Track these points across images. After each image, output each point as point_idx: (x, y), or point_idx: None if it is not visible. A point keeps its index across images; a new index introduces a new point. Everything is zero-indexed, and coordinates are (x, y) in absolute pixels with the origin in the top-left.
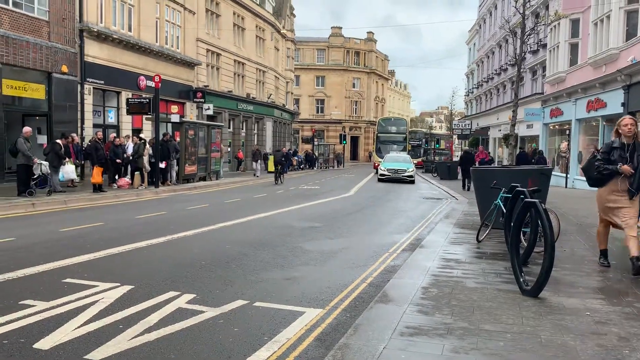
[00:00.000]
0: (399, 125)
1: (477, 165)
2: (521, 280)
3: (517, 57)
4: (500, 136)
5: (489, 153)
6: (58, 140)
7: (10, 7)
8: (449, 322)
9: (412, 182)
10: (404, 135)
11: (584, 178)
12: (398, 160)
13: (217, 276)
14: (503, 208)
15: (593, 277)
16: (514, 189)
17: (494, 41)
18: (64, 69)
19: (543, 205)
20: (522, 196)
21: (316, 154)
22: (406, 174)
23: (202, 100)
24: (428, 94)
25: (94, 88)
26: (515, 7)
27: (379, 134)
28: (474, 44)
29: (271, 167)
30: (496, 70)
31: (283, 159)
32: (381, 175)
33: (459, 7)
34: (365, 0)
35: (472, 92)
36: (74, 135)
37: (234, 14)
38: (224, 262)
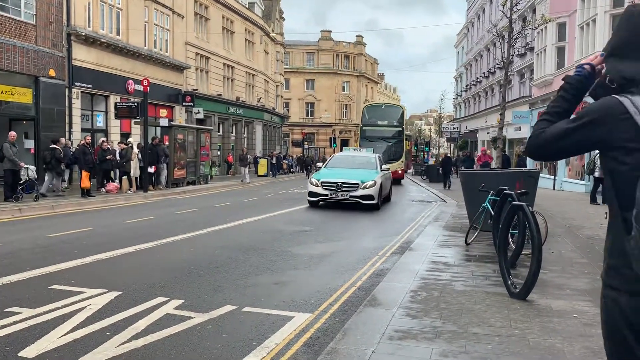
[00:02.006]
0: (391, 116)
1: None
2: (509, 283)
3: (504, 60)
4: (488, 139)
5: (488, 153)
6: (55, 146)
7: None
8: (437, 325)
9: (374, 207)
10: (399, 130)
11: (573, 180)
12: (352, 165)
13: (205, 281)
14: (491, 211)
15: (580, 279)
16: (502, 192)
17: (482, 45)
18: (52, 73)
19: (531, 207)
20: (509, 199)
21: (309, 156)
22: (359, 192)
23: (192, 104)
24: (416, 97)
25: (82, 92)
26: (503, 12)
27: (363, 127)
28: (462, 47)
29: (262, 171)
30: (484, 74)
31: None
32: (312, 195)
33: (440, 12)
34: (348, 5)
35: (461, 95)
36: (62, 139)
37: (223, 17)
38: (213, 267)
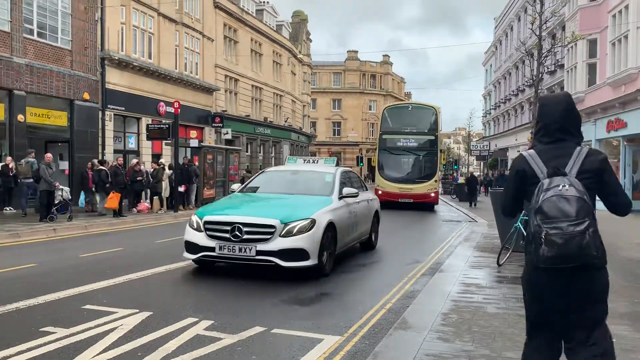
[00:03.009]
0: (421, 120)
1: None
2: None
3: (534, 78)
4: None
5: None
6: (102, 167)
7: (35, 37)
8: (470, 349)
9: (313, 272)
10: (431, 139)
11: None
12: (290, 187)
13: (235, 302)
14: (523, 231)
15: (619, 302)
16: None
17: (510, 62)
18: (86, 96)
19: None
20: None
21: None
22: (273, 243)
23: (221, 124)
24: (443, 115)
25: (114, 114)
26: (531, 29)
27: (383, 136)
28: (490, 65)
29: None
30: (513, 91)
31: None
32: (190, 247)
33: (461, 31)
34: (372, 26)
35: (490, 113)
36: (94, 161)
37: (252, 40)
38: (242, 287)
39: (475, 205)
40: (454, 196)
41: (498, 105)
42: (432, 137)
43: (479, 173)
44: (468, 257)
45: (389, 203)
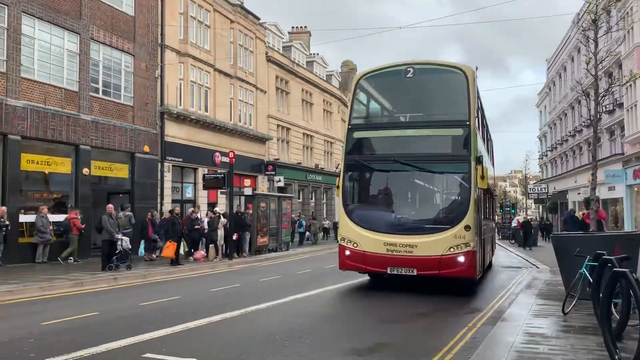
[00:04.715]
0: (433, 99)
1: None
2: (616, 357)
3: (592, 118)
4: (580, 199)
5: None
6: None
7: (100, 95)
8: None
9: None
10: (457, 134)
11: None
12: None
13: (291, 351)
14: (589, 277)
15: None
16: (600, 257)
17: (565, 103)
18: (146, 149)
19: (634, 274)
20: (609, 265)
21: None
22: None
23: (273, 172)
24: (496, 158)
25: (173, 165)
26: (587, 69)
27: (353, 133)
28: (545, 106)
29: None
30: (570, 132)
31: None
32: None
33: (505, 74)
34: None
35: (547, 155)
36: (153, 211)
37: (303, 90)
38: (297, 336)
39: (530, 248)
40: (513, 241)
41: (555, 146)
42: (459, 132)
43: (534, 217)
44: (531, 305)
45: (367, 276)
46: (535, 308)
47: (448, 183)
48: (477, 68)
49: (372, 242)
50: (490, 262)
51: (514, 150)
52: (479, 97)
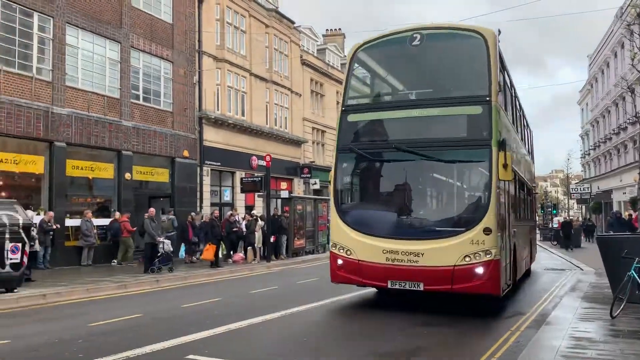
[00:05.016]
0: (445, 71)
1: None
2: None
3: (637, 115)
4: (626, 199)
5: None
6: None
7: (141, 102)
8: None
9: None
10: (476, 113)
11: None
12: None
13: (332, 353)
14: (638, 280)
15: None
16: None
17: (609, 99)
18: (186, 153)
19: None
20: None
21: None
22: None
23: (309, 175)
24: (536, 158)
25: (211, 169)
26: (632, 64)
27: (348, 117)
28: (587, 104)
29: None
30: (614, 130)
31: None
32: None
33: (541, 71)
34: None
35: (589, 153)
36: (193, 214)
37: (337, 93)
38: (337, 340)
39: (572, 249)
40: (555, 242)
41: (598, 145)
42: (477, 110)
43: (576, 217)
44: (576, 309)
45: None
46: (580, 311)
47: (463, 174)
48: (499, 32)
49: (369, 248)
50: (529, 269)
51: (555, 149)
52: (504, 69)
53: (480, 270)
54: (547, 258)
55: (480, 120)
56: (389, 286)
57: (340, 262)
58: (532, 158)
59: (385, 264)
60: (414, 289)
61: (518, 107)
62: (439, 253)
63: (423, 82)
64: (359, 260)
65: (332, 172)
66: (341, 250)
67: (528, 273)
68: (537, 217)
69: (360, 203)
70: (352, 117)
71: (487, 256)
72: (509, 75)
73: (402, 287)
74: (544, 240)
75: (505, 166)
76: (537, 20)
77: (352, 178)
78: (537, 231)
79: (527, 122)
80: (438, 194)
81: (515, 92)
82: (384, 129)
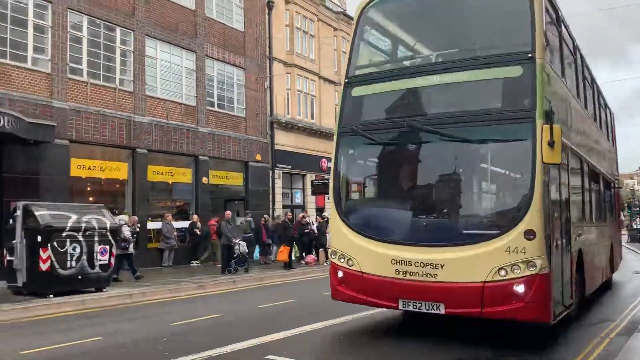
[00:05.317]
0: (476, 27)
1: None
2: None
3: None
4: None
5: None
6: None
7: (216, 108)
8: None
9: None
10: (515, 82)
11: None
12: None
13: (408, 356)
14: None
15: None
16: None
17: None
18: (258, 157)
19: None
20: None
21: None
22: None
23: None
24: (618, 155)
25: (283, 172)
26: None
27: (352, 91)
28: None
29: None
30: None
31: None
32: None
33: (624, 64)
34: None
35: None
36: (266, 216)
37: None
38: (415, 344)
39: None
40: None
41: None
42: (516, 71)
43: None
44: None
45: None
46: None
47: (496, 159)
48: None
49: (374, 257)
50: (609, 280)
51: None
52: (560, 22)
53: (520, 288)
54: (634, 260)
55: (520, 84)
56: (401, 307)
57: (340, 274)
58: (614, 145)
59: (395, 279)
60: (433, 311)
61: (587, 76)
62: (464, 264)
63: (445, 40)
64: (362, 273)
65: (332, 161)
66: (342, 260)
67: (608, 284)
68: (622, 217)
69: (365, 199)
70: (356, 91)
71: (530, 269)
72: (568, 31)
73: (417, 310)
74: (631, 242)
75: (551, 144)
76: (618, 10)
77: (355, 167)
78: (624, 232)
79: (604, 100)
80: (463, 186)
81: (581, 56)
82: (395, 103)
